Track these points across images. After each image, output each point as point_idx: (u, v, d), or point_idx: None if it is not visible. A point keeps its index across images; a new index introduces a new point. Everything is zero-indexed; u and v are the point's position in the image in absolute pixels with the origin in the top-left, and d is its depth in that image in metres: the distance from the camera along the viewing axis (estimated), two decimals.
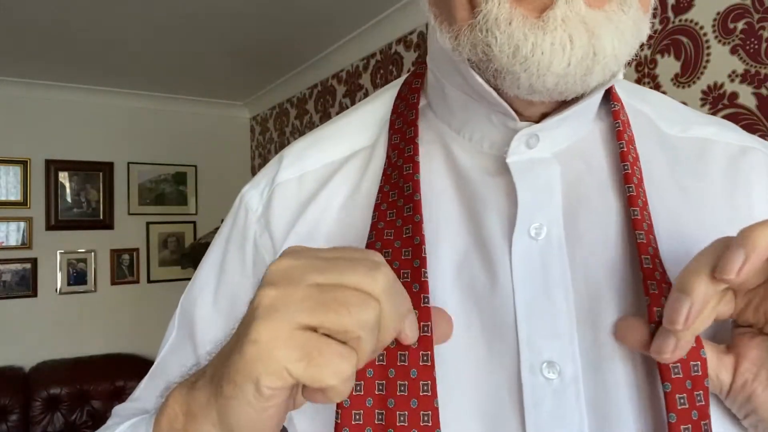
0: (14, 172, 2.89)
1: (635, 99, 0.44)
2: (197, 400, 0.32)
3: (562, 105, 0.38)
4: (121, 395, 2.80)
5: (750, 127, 1.17)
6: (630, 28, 0.34)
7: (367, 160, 0.44)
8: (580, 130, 0.41)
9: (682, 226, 0.38)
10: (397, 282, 0.30)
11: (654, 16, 1.36)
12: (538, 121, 0.39)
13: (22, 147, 2.91)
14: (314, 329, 0.27)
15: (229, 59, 2.67)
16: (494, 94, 0.37)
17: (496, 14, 0.33)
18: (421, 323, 0.33)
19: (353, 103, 2.55)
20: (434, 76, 0.43)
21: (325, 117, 2.77)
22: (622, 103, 0.42)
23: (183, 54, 2.57)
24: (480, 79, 0.37)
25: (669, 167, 0.40)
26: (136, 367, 2.91)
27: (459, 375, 0.36)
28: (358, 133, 0.47)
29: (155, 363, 0.50)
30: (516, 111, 0.39)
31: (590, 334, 0.35)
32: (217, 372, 0.30)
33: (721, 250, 0.29)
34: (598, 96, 0.39)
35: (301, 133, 2.99)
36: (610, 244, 0.37)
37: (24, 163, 2.91)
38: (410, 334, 0.32)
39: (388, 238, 0.38)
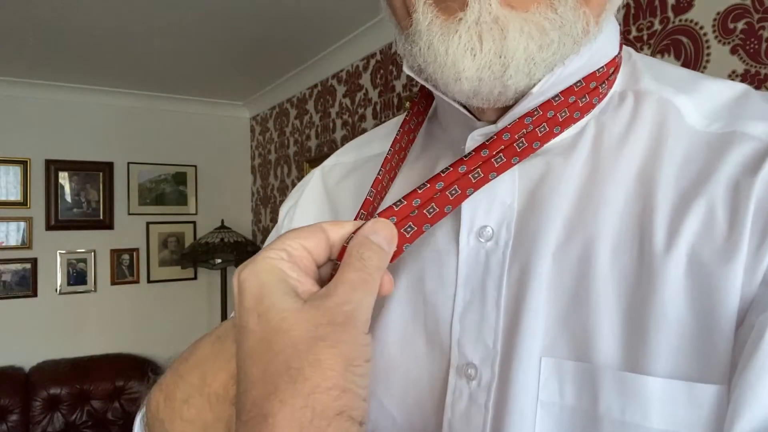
0: (14, 172, 2.89)
1: (671, 89, 0.38)
2: None
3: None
4: (121, 395, 2.81)
5: None
6: (560, 28, 0.32)
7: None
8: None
9: None
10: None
11: (654, 15, 1.36)
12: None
13: (22, 147, 2.91)
14: None
15: (229, 59, 2.67)
16: (441, 95, 0.38)
17: (422, 22, 0.34)
18: None
19: (353, 103, 2.55)
20: None
21: (325, 117, 2.77)
22: (588, 103, 0.38)
23: (183, 54, 2.57)
24: (424, 82, 0.38)
25: (677, 168, 0.34)
26: (136, 367, 2.91)
27: (397, 363, 0.39)
28: (392, 135, 0.49)
29: None
30: (474, 113, 0.39)
31: (509, 341, 0.35)
32: None
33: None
34: (542, 97, 0.36)
35: (301, 134, 3.00)
36: (547, 250, 0.35)
37: (24, 163, 2.91)
38: None
39: None
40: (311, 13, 2.14)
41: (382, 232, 0.32)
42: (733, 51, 1.20)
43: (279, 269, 0.30)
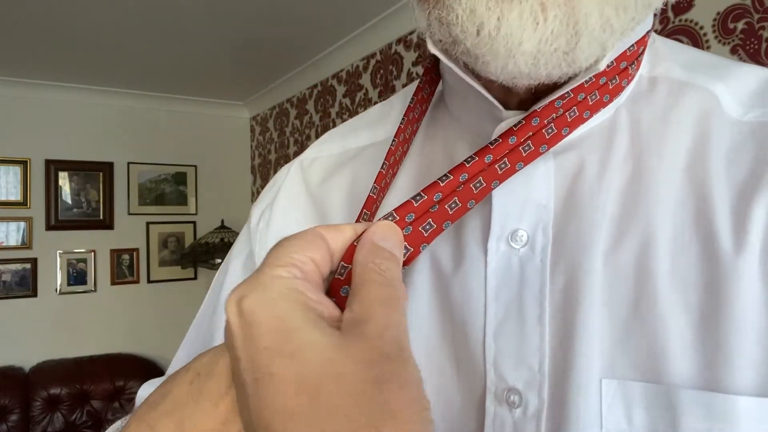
0: (14, 172, 2.89)
1: (705, 77, 0.35)
2: None
3: (551, 88, 0.33)
4: (121, 395, 2.81)
5: None
6: None
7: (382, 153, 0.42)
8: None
9: None
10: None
11: (654, 16, 1.36)
12: (527, 109, 0.33)
13: (22, 147, 2.91)
14: None
15: (229, 59, 2.67)
16: (467, 78, 0.33)
17: None
18: None
19: (353, 103, 2.55)
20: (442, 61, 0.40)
21: (325, 117, 2.77)
22: (617, 85, 0.34)
23: (183, 54, 2.57)
24: (449, 63, 0.33)
25: (726, 161, 0.32)
26: (136, 367, 2.91)
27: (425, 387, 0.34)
28: (381, 124, 0.46)
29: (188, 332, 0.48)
30: (499, 98, 0.35)
31: (561, 362, 0.30)
32: None
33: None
34: (583, 77, 0.32)
35: (301, 134, 3.00)
36: (596, 256, 0.31)
37: (24, 163, 2.91)
38: None
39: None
40: (311, 13, 2.14)
41: (391, 238, 0.27)
42: (733, 51, 1.20)
43: (299, 292, 0.23)
